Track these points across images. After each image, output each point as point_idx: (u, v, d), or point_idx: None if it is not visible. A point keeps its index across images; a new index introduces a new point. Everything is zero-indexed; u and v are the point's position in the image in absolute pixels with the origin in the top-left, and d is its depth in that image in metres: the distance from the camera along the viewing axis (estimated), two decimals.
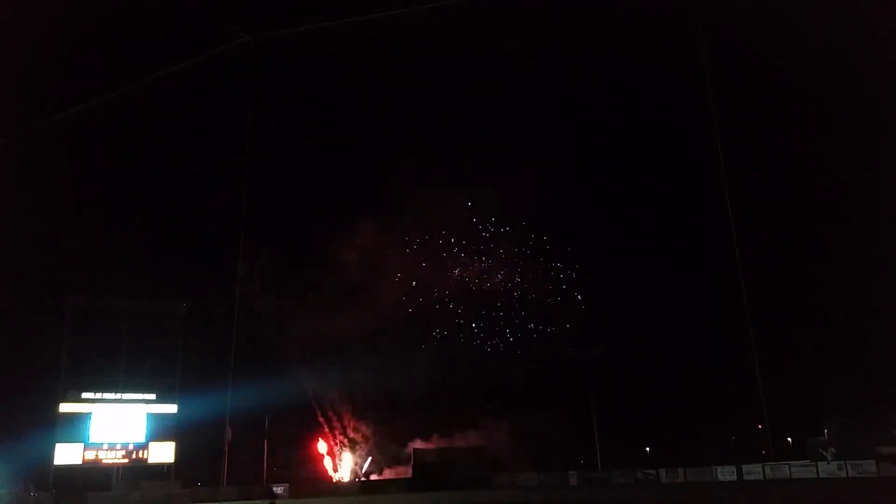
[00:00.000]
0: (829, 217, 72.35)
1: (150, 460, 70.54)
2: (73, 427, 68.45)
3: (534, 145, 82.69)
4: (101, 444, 69.24)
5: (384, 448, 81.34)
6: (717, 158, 68.59)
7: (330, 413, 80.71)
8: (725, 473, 63.67)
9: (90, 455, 68.55)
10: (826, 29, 61.31)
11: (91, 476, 68.29)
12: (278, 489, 69.01)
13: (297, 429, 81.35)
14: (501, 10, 68.58)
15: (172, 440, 71.58)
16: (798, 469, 61.62)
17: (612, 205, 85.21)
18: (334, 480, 78.51)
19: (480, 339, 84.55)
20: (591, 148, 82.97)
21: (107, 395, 70.46)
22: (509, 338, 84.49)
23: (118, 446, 69.79)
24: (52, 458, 66.79)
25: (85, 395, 69.58)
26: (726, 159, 69.14)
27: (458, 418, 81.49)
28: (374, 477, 79.11)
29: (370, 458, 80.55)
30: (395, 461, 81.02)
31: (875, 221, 67.86)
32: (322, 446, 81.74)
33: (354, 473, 79.57)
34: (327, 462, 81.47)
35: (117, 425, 70.19)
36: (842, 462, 59.51)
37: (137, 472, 69.85)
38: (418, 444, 79.31)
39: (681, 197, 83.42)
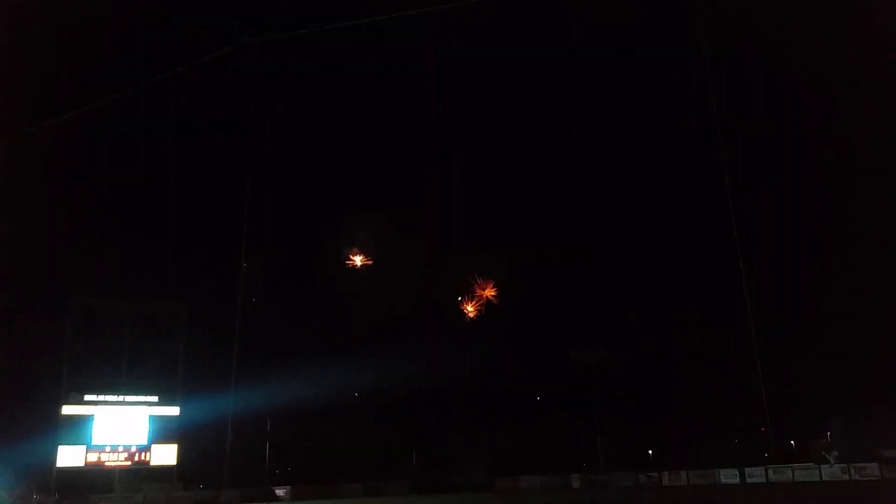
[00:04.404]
0: (832, 217, 72.26)
1: (153, 462, 70.48)
2: (76, 429, 68.47)
3: (538, 146, 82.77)
4: (104, 446, 69.25)
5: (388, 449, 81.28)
6: (721, 159, 68.70)
7: None
8: (728, 476, 63.52)
9: (92, 457, 68.54)
10: (827, 25, 61.34)
11: (93, 478, 68.19)
12: (280, 491, 68.91)
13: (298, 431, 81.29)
14: (502, 10, 68.71)
15: (175, 442, 71.55)
16: (801, 472, 61.47)
17: (616, 207, 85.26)
18: None
19: (482, 340, 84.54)
20: (594, 149, 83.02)
21: (109, 398, 70.46)
22: (511, 339, 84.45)
23: (120, 448, 69.79)
24: (54, 460, 66.79)
25: (87, 397, 69.61)
26: (730, 160, 69.34)
27: (460, 421, 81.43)
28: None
29: None
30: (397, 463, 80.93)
31: (877, 221, 67.81)
32: None
33: None
34: None
35: (119, 427, 70.18)
36: (845, 465, 59.33)
37: (139, 474, 69.75)
38: (420, 445, 79.28)
39: (684, 199, 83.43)
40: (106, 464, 69.06)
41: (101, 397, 70.18)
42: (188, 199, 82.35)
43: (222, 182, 78.97)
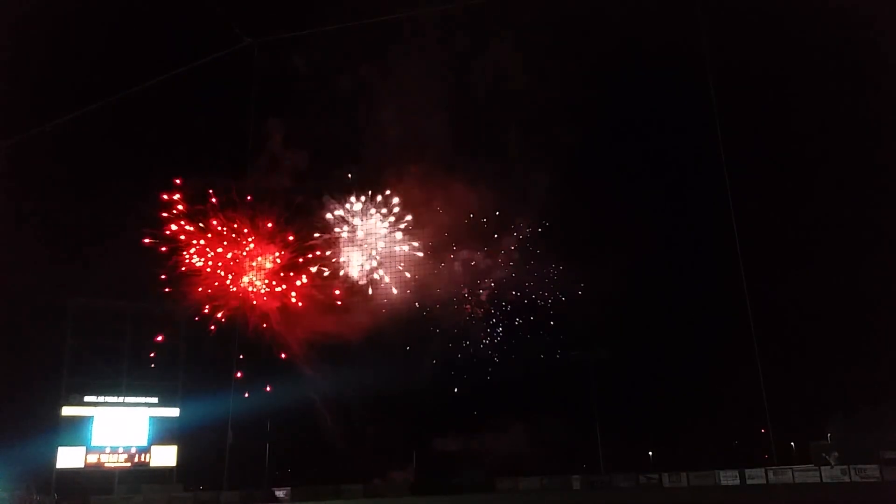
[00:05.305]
0: (831, 217, 72.30)
1: (153, 464, 70.46)
2: (76, 430, 68.45)
3: (538, 144, 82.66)
4: (104, 447, 69.21)
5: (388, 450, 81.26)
6: (720, 157, 68.86)
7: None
8: (728, 478, 63.57)
9: (92, 458, 68.52)
10: (827, 28, 61.43)
11: (93, 479, 68.24)
12: (280, 492, 68.91)
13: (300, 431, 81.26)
14: (503, 12, 68.81)
15: (175, 444, 71.51)
16: (801, 473, 61.49)
17: (615, 205, 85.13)
18: None
19: (482, 340, 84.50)
20: (594, 147, 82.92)
21: (109, 399, 70.43)
22: (511, 339, 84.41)
23: (120, 450, 69.76)
24: (54, 461, 66.75)
25: (87, 398, 69.58)
26: (728, 157, 69.45)
27: (460, 422, 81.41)
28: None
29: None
30: (397, 465, 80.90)
31: (878, 220, 67.86)
32: None
33: None
34: None
35: (119, 429, 70.16)
36: (845, 466, 59.32)
37: (139, 475, 69.77)
38: (421, 447, 79.23)
39: (683, 197, 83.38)
40: (106, 465, 69.04)
41: (101, 398, 70.15)
42: (189, 199, 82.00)
43: (223, 181, 78.76)
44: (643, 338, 78.51)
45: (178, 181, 76.75)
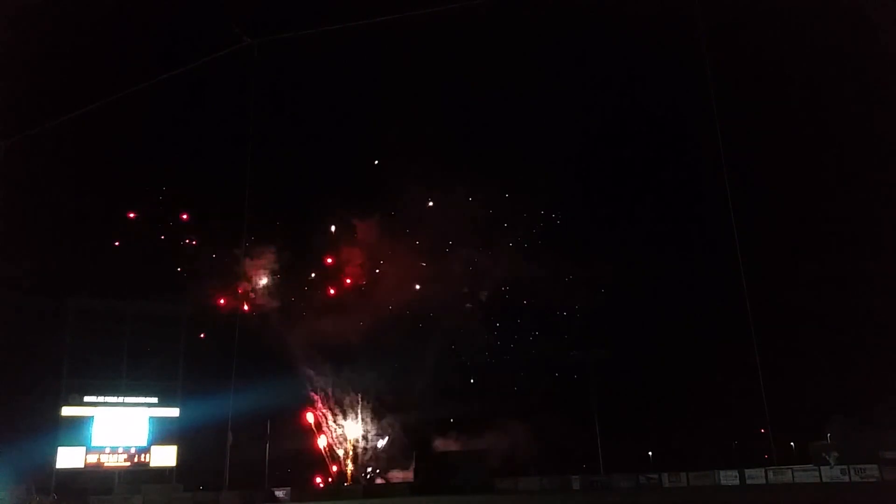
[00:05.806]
0: (832, 217, 72.35)
1: (152, 464, 70.45)
2: (75, 430, 68.42)
3: (537, 146, 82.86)
4: (103, 447, 69.19)
5: (387, 452, 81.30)
6: (720, 159, 68.80)
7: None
8: (728, 478, 63.50)
9: (92, 458, 68.49)
10: (826, 27, 61.50)
11: (93, 480, 68.20)
12: (280, 493, 68.87)
13: (299, 432, 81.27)
14: (504, 11, 68.92)
15: (174, 444, 71.50)
16: (801, 473, 61.42)
17: (615, 207, 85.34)
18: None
19: (482, 341, 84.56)
20: (594, 150, 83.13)
21: (109, 399, 70.42)
22: (511, 339, 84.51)
23: (120, 450, 69.74)
24: (53, 461, 66.72)
25: (87, 398, 69.57)
26: (729, 159, 69.47)
27: (460, 422, 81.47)
28: (378, 481, 78.98)
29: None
30: (397, 465, 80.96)
31: (877, 220, 67.91)
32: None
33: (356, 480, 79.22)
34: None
35: (119, 429, 70.14)
36: (845, 466, 59.29)
37: (139, 475, 69.71)
38: (420, 448, 79.24)
39: (683, 199, 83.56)
40: (105, 465, 69.01)
41: (101, 398, 70.13)
42: (189, 200, 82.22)
43: (223, 181, 78.97)
44: (643, 338, 78.67)
45: (175, 176, 76.78)
